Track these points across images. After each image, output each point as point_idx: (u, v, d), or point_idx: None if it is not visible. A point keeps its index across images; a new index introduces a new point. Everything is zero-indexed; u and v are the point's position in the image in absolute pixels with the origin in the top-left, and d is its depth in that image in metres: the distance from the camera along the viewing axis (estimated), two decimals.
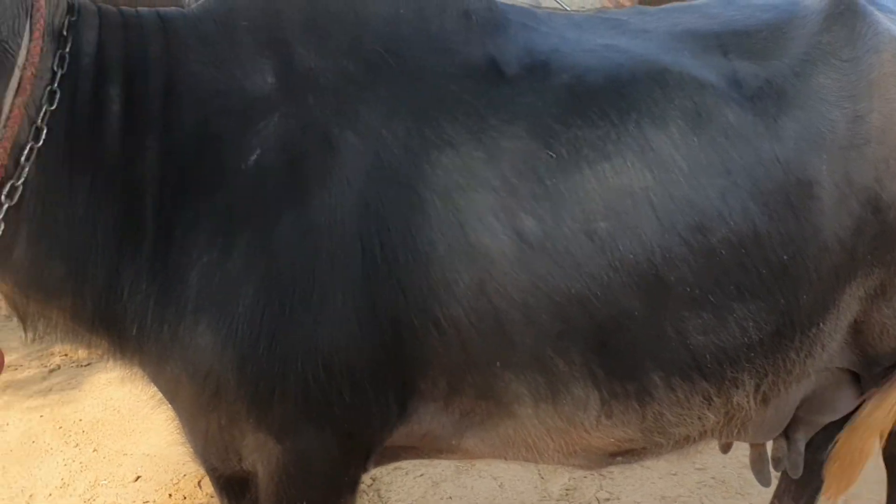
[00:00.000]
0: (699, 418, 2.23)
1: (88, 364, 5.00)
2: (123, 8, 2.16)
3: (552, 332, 2.07)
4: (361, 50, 2.14)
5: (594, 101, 2.12)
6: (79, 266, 2.03)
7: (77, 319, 2.11)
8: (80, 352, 5.11)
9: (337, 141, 2.05)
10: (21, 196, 1.94)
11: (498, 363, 2.10)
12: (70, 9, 2.06)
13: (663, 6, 2.48)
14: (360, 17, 2.18)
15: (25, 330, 2.16)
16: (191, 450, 2.26)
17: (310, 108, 2.07)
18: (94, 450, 4.18)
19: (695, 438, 2.34)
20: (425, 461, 3.85)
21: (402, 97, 2.10)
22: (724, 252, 2.09)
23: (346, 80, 2.10)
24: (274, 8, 2.18)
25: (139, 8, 2.18)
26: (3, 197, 1.91)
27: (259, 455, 2.13)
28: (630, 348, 2.11)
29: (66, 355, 5.11)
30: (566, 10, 8.96)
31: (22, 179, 1.93)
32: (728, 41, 2.31)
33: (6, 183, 1.92)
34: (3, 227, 1.92)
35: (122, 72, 2.05)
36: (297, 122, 2.06)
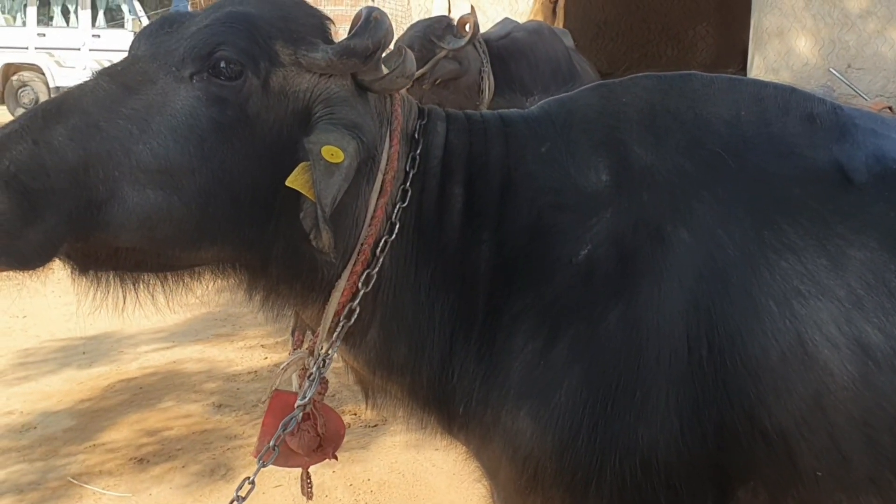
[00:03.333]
0: None
1: (375, 426, 5.25)
2: (469, 112, 2.32)
3: (894, 456, 1.93)
4: (700, 150, 2.14)
5: None
6: (419, 348, 2.17)
7: (413, 396, 2.26)
8: (367, 412, 5.39)
9: (670, 237, 2.05)
10: (376, 284, 2.12)
11: (829, 481, 1.98)
12: (421, 113, 2.25)
13: None
14: (699, 117, 2.19)
15: (367, 401, 2.32)
16: None
17: (643, 205, 2.10)
18: None
19: None
20: None
21: (741, 198, 2.07)
22: None
23: (682, 178, 2.11)
24: (612, 109, 2.25)
25: (483, 111, 2.33)
26: (360, 284, 2.10)
27: None
28: None
29: (355, 414, 5.39)
30: (863, 97, 8.69)
31: (377, 269, 2.11)
32: None
33: (364, 272, 2.10)
34: (358, 311, 2.11)
35: (465, 171, 2.20)
36: (629, 219, 2.09)
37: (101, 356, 6.39)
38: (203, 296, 2.17)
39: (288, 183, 1.94)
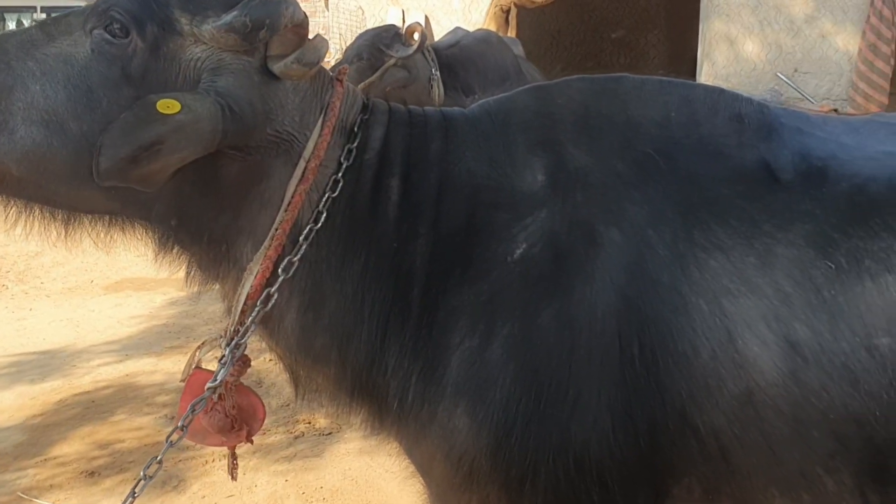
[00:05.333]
0: None
1: (329, 433, 5.24)
2: (412, 107, 2.34)
3: (823, 451, 1.96)
4: (632, 151, 2.17)
5: (876, 212, 2.02)
6: (343, 339, 2.19)
7: (338, 387, 2.27)
8: (321, 421, 5.38)
9: (602, 238, 2.08)
10: (295, 271, 2.14)
11: (761, 476, 2.02)
12: (364, 108, 2.25)
13: None
14: (631, 119, 2.23)
15: (296, 391, 2.34)
16: None
17: (578, 205, 2.13)
18: None
19: None
20: None
21: (672, 198, 2.11)
22: None
23: (615, 179, 2.14)
24: (548, 109, 2.28)
25: (426, 108, 2.35)
26: (279, 270, 2.12)
27: None
28: None
29: (309, 423, 5.38)
30: (810, 100, 8.84)
31: (298, 256, 2.13)
32: None
33: (283, 258, 2.12)
34: (276, 296, 2.13)
35: (403, 165, 2.21)
36: (564, 219, 2.12)
37: (54, 371, 6.31)
38: (102, 244, 2.25)
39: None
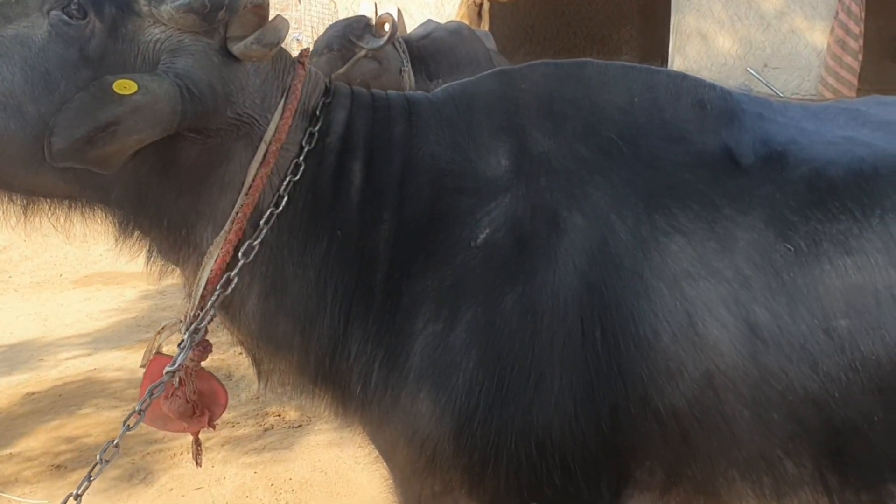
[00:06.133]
0: None
1: (299, 426, 5.22)
2: (375, 91, 2.33)
3: (783, 433, 1.98)
4: (595, 136, 2.18)
5: (835, 195, 2.04)
6: (306, 324, 2.17)
7: (302, 373, 2.26)
8: (291, 413, 5.36)
9: (565, 223, 2.08)
10: (256, 255, 2.12)
11: (721, 459, 2.03)
12: (326, 91, 2.24)
13: None
14: (595, 104, 2.23)
15: (259, 377, 2.32)
16: None
17: (541, 190, 2.13)
18: None
19: None
20: None
21: (634, 183, 2.11)
22: None
23: (578, 164, 2.14)
24: (511, 94, 2.27)
25: (389, 91, 2.34)
26: (240, 254, 2.10)
27: None
28: (868, 456, 1.98)
29: (279, 416, 5.35)
30: (779, 94, 8.90)
31: (259, 240, 2.11)
32: None
33: (244, 242, 2.10)
34: (236, 281, 2.11)
35: (366, 149, 2.20)
36: (527, 203, 2.12)
37: (21, 364, 6.25)
38: (62, 230, 2.22)
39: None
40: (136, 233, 2.20)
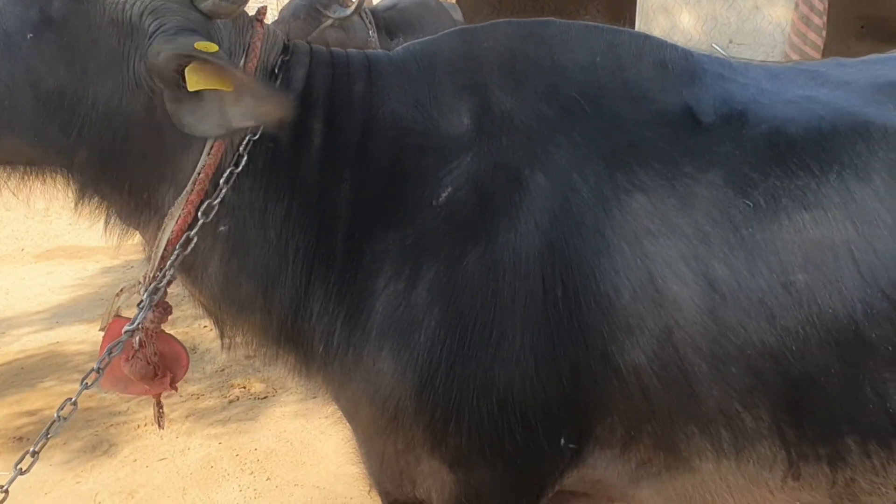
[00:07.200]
0: (895, 488, 2.09)
1: (265, 397, 5.20)
2: (334, 49, 2.30)
3: (741, 387, 2.00)
4: (558, 95, 2.18)
5: (794, 152, 2.06)
6: (268, 285, 2.16)
7: (264, 334, 2.25)
8: (256, 385, 5.34)
9: (527, 181, 2.08)
10: (216, 216, 2.10)
11: (681, 414, 2.05)
12: (285, 49, 2.21)
13: (864, 58, 2.40)
14: (557, 63, 2.23)
15: (222, 340, 2.30)
16: (365, 471, 2.32)
17: (503, 149, 2.12)
18: (268, 478, 4.32)
19: None
20: None
21: (596, 142, 2.12)
22: None
23: (540, 123, 2.14)
24: (474, 53, 2.26)
25: (349, 50, 2.32)
26: (199, 214, 2.07)
27: (433, 482, 2.16)
28: (824, 409, 2.00)
29: (244, 388, 5.33)
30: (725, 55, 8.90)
31: (218, 199, 2.09)
32: None
33: (203, 201, 2.08)
34: (196, 240, 2.09)
35: (326, 107, 2.18)
36: (488, 162, 2.11)
37: None
38: (23, 197, 2.18)
39: (191, 88, 1.95)
40: (97, 198, 2.17)
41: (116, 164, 2.09)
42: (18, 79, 1.94)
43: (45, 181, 2.15)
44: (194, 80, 1.94)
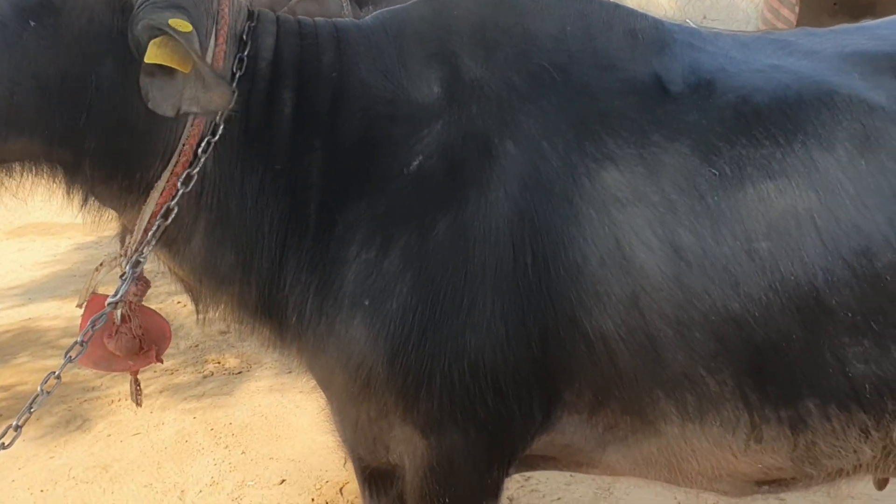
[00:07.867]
0: (854, 451, 2.13)
1: (239, 373, 5.21)
2: (301, 17, 2.30)
3: (705, 352, 2.04)
4: (527, 63, 2.18)
5: (760, 121, 2.08)
6: (247, 256, 2.16)
7: (243, 306, 2.25)
8: (231, 361, 5.35)
9: (497, 150, 2.10)
10: (201, 188, 2.10)
11: (646, 379, 2.08)
12: (250, 15, 2.21)
13: (833, 27, 2.43)
14: (527, 32, 2.23)
15: (198, 314, 2.31)
16: (340, 439, 2.34)
17: (472, 117, 2.13)
18: (243, 452, 4.34)
19: (848, 472, 2.23)
20: (563, 486, 3.83)
21: (565, 111, 2.13)
22: (889, 278, 1.99)
23: (510, 92, 2.15)
24: (444, 21, 2.26)
25: (317, 18, 2.31)
26: (179, 184, 2.08)
27: (405, 448, 2.18)
28: (786, 373, 2.04)
29: (218, 363, 5.35)
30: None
31: (197, 168, 2.08)
32: None
33: (183, 172, 2.08)
34: (178, 211, 2.09)
35: (296, 76, 2.18)
36: (458, 131, 2.12)
37: None
38: (19, 194, 2.14)
39: (147, 60, 1.94)
40: (86, 186, 2.14)
41: (120, 147, 2.08)
42: (22, 72, 1.93)
43: (40, 176, 2.12)
44: (153, 53, 1.94)
